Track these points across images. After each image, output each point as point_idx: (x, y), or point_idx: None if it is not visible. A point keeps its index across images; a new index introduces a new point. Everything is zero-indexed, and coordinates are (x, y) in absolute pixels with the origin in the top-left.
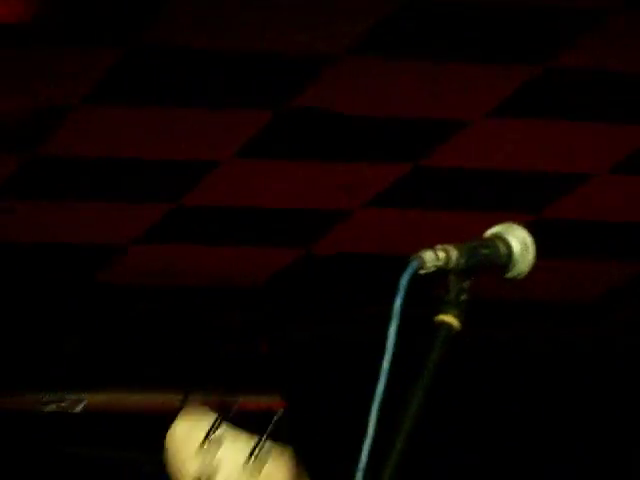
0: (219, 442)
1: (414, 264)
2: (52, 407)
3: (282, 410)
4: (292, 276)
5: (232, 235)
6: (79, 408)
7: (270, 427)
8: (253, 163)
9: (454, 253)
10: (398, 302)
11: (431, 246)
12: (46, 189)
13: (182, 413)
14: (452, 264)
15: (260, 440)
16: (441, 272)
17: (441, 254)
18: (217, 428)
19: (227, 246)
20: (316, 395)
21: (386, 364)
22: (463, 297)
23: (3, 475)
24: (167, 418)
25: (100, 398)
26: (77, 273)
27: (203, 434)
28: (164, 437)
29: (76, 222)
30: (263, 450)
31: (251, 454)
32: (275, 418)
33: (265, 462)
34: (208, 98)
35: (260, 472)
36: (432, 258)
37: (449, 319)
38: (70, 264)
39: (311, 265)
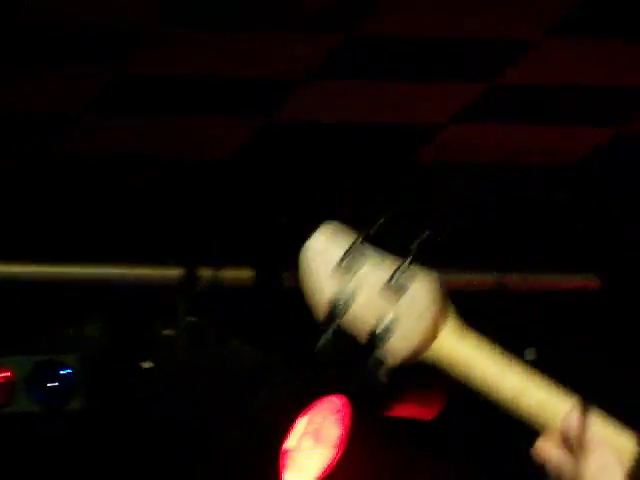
0: (358, 262)
1: None
2: None
3: (427, 233)
4: (606, 155)
5: (548, 114)
6: None
7: (414, 249)
8: (566, 42)
9: None
10: None
11: None
12: (366, 68)
13: (319, 230)
14: None
15: (403, 263)
16: None
17: None
18: (357, 247)
19: (540, 125)
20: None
21: None
22: None
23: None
24: (487, 296)
25: None
26: (398, 153)
27: (341, 252)
28: (482, 317)
29: (396, 102)
30: (406, 274)
31: (392, 277)
32: (420, 240)
33: (407, 286)
34: None
35: (401, 296)
36: None
37: None
38: (390, 144)
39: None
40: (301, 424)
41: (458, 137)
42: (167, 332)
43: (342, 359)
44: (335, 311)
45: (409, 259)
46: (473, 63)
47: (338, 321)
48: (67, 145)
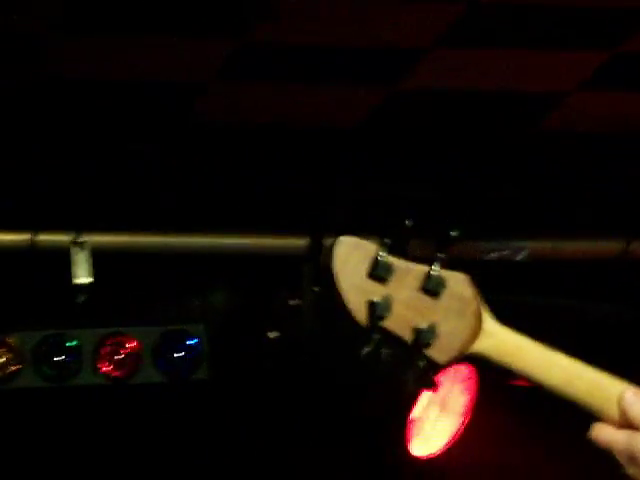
0: (390, 268)
1: None
2: (494, 255)
3: (453, 235)
4: None
5: None
6: (521, 256)
7: (442, 254)
8: None
9: None
10: None
11: None
12: (492, 36)
13: (340, 240)
14: None
15: (432, 267)
16: None
17: None
18: (383, 255)
19: None
20: None
21: None
22: None
23: None
24: (608, 264)
25: (542, 245)
26: (524, 121)
27: (369, 261)
28: (607, 284)
29: (518, 69)
30: (439, 276)
31: (426, 281)
32: (450, 238)
33: (442, 289)
34: None
35: (438, 298)
36: None
37: None
38: (517, 112)
39: None
40: (427, 393)
41: (584, 105)
42: (293, 302)
43: (390, 361)
44: (377, 313)
45: (440, 260)
46: (599, 31)
47: (382, 322)
48: (195, 114)
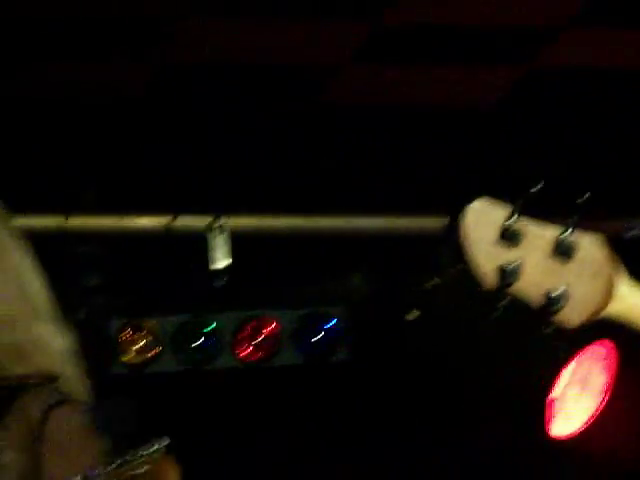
0: (520, 232)
1: None
2: (635, 233)
3: (586, 196)
4: None
5: None
6: None
7: (576, 217)
8: None
9: None
10: None
11: None
12: (622, 16)
13: (475, 203)
14: None
15: (566, 228)
16: None
17: None
18: (515, 218)
19: None
20: None
21: None
22: None
23: None
24: None
25: None
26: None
27: (499, 223)
28: None
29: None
30: (572, 237)
31: (559, 242)
32: (582, 204)
33: (576, 250)
34: None
35: (571, 259)
36: None
37: None
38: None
39: None
40: (567, 373)
41: None
42: (432, 282)
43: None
44: (507, 278)
45: (573, 223)
46: None
47: (511, 288)
48: (328, 97)
